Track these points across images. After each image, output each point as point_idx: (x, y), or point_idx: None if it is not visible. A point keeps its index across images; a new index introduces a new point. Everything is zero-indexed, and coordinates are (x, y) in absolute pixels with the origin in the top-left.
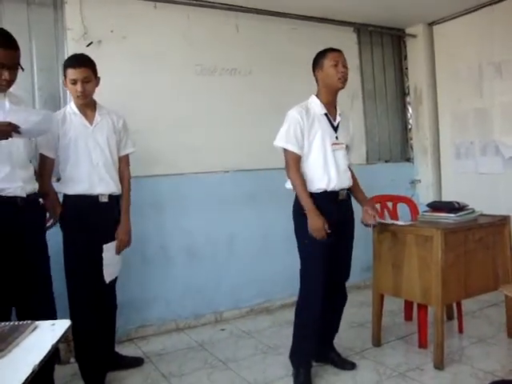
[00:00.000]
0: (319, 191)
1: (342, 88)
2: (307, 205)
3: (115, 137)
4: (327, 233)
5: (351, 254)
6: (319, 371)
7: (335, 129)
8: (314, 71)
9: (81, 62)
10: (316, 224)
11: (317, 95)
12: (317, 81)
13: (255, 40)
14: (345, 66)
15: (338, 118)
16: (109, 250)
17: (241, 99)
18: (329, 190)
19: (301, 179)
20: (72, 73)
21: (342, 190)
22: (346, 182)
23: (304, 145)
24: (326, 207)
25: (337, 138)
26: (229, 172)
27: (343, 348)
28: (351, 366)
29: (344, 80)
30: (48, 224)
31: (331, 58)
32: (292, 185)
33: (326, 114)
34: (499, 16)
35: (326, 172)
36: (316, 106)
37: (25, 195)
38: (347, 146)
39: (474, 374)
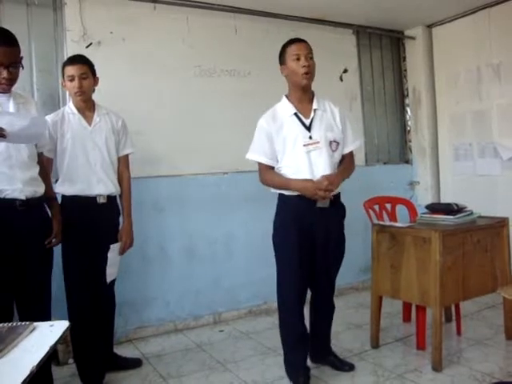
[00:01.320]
0: (293, 194)
1: (308, 85)
2: (289, 184)
3: (114, 137)
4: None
5: (334, 266)
6: (317, 373)
7: (308, 127)
8: (280, 69)
9: (78, 59)
10: (307, 191)
11: (287, 95)
12: (286, 79)
13: (254, 41)
14: (309, 59)
15: (312, 114)
16: (113, 250)
17: (240, 100)
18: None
19: (273, 174)
20: (69, 69)
21: None
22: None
23: (276, 151)
24: (302, 212)
25: (310, 137)
26: (228, 173)
27: (341, 349)
28: (349, 367)
29: (309, 75)
30: (53, 241)
31: (292, 52)
32: (271, 186)
33: (295, 114)
34: (497, 18)
35: (298, 177)
36: (284, 107)
37: (24, 198)
38: (334, 142)
39: (472, 375)
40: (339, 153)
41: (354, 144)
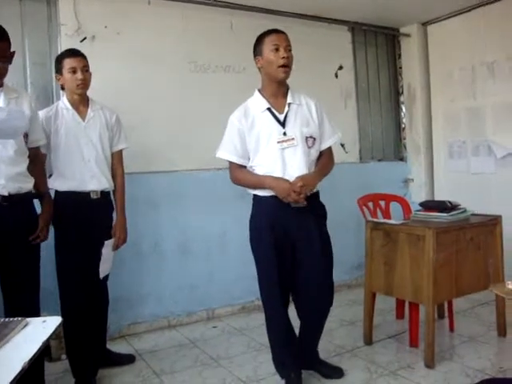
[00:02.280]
0: (268, 195)
1: (285, 79)
2: (263, 182)
3: (108, 132)
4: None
5: (324, 270)
6: (309, 371)
7: (282, 123)
8: (254, 60)
9: (78, 52)
10: (281, 191)
11: (260, 89)
12: (259, 71)
13: (249, 37)
14: (288, 51)
15: (286, 109)
16: (107, 246)
17: (234, 96)
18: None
19: (245, 173)
20: (71, 61)
21: None
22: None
23: (247, 150)
24: (277, 213)
25: (285, 133)
26: (221, 169)
27: (334, 346)
28: (339, 374)
29: (287, 68)
30: (40, 235)
31: (270, 42)
32: (244, 185)
33: (268, 109)
34: (492, 16)
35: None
36: (257, 102)
37: (6, 194)
38: (310, 138)
39: (465, 372)
40: (316, 149)
41: (332, 139)
